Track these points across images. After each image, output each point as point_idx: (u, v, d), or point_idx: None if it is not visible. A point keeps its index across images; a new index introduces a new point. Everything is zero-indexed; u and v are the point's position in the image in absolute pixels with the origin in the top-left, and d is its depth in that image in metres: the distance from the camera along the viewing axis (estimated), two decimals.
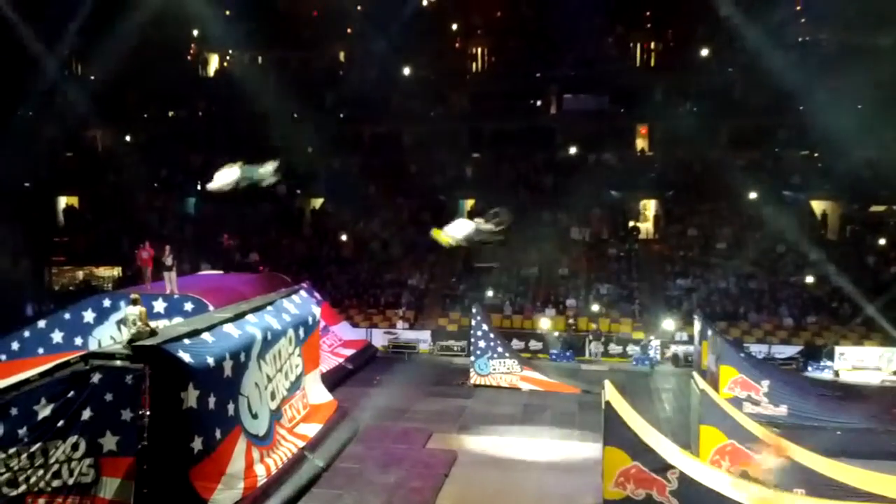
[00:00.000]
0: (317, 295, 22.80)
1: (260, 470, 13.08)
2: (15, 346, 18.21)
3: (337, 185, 37.82)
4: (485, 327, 23.05)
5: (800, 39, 36.44)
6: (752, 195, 33.93)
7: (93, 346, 17.08)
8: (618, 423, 12.34)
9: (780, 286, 30.14)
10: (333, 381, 20.58)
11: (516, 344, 26.16)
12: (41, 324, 18.45)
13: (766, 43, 31.95)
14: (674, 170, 35.53)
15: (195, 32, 41.29)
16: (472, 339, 23.11)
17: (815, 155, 36.24)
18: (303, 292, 18.79)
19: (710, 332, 21.16)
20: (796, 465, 13.19)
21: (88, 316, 18.10)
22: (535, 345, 27.16)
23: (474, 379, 22.63)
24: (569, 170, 36.37)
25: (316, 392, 17.53)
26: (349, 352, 24.73)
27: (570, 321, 28.61)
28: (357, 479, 14.57)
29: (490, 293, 30.41)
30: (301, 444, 15.03)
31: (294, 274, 26.64)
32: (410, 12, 35.31)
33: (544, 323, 28.38)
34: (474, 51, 41.87)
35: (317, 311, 18.50)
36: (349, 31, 39.01)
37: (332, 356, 23.12)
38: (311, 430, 15.91)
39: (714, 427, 13.98)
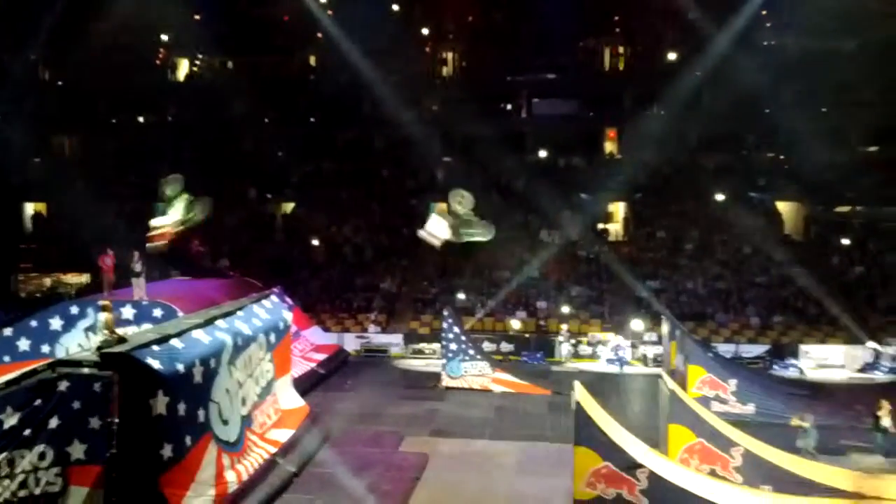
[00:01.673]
0: (288, 300, 22.72)
1: (231, 476, 13.02)
2: None
3: (308, 189, 37.79)
4: (456, 330, 23.08)
5: (765, 44, 37.06)
6: (719, 197, 34.47)
7: (60, 353, 16.89)
8: (588, 424, 12.40)
9: (747, 286, 30.58)
10: (305, 386, 20.52)
11: (488, 346, 26.29)
12: (7, 331, 18.17)
13: (733, 48, 32.44)
14: (642, 173, 35.91)
15: (165, 38, 41.06)
16: (444, 342, 23.10)
17: (781, 157, 36.93)
18: (273, 297, 18.73)
19: (678, 333, 21.40)
20: (764, 461, 13.41)
21: (56, 323, 17.88)
22: (506, 347, 27.26)
23: (446, 382, 22.65)
24: (539, 173, 36.64)
25: (287, 397, 17.48)
26: (321, 356, 24.63)
27: (541, 323, 28.82)
28: (329, 484, 14.55)
29: (461, 296, 30.52)
30: (272, 449, 14.99)
31: (265, 279, 26.51)
32: (381, 17, 35.39)
33: (515, 325, 28.55)
34: (445, 55, 42.07)
35: (288, 315, 18.45)
36: (320, 35, 38.97)
37: (304, 361, 23.04)
38: (283, 435, 15.86)
39: (683, 426, 14.09)
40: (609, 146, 39.92)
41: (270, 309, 17.50)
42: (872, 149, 35.78)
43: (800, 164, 34.89)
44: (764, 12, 36.04)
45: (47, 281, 34.87)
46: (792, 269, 29.66)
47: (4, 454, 10.66)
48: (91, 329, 16.88)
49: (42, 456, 10.83)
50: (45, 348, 17.58)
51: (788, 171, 35.76)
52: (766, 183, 35.41)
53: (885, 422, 16.42)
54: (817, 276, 28.97)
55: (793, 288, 29.63)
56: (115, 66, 36.12)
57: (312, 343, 25.09)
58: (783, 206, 35.38)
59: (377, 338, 28.35)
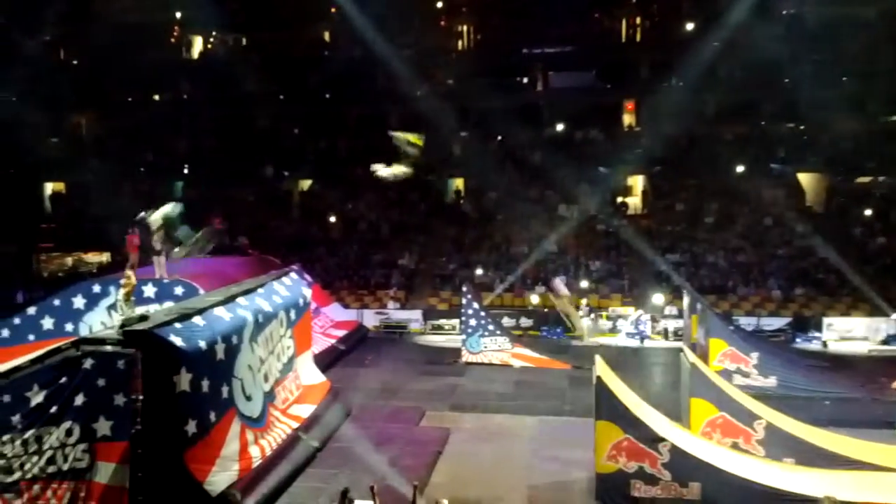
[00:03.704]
0: (307, 277, 22.77)
1: (255, 451, 13.11)
2: (5, 333, 18.15)
3: (324, 166, 37.71)
4: (475, 305, 23.10)
5: (784, 12, 36.41)
6: (739, 169, 34.09)
7: (84, 331, 17.03)
8: (609, 398, 12.43)
9: (768, 259, 30.35)
10: (326, 362, 20.60)
11: (507, 321, 26.24)
12: (31, 310, 18.39)
13: (752, 17, 31.91)
14: (661, 145, 35.53)
15: (178, 15, 40.87)
16: (463, 318, 23.13)
17: (801, 128, 36.37)
18: (293, 274, 18.73)
19: (699, 306, 21.29)
20: (786, 434, 13.36)
21: (78, 302, 18.04)
22: (525, 322, 27.27)
23: (466, 357, 22.70)
24: (556, 147, 36.35)
25: (308, 373, 17.55)
26: (341, 333, 24.73)
27: None
28: (351, 459, 14.63)
29: (480, 271, 30.48)
30: (295, 424, 15.06)
31: (283, 256, 26.61)
32: None
33: (534, 300, 28.50)
34: (459, 29, 41.63)
35: (307, 292, 18.47)
36: (333, 10, 38.68)
37: (324, 337, 23.13)
38: (305, 410, 15.94)
39: (704, 400, 14.08)
40: (627, 118, 39.51)
41: (290, 286, 17.51)
42: (894, 118, 35.24)
43: (820, 135, 34.43)
44: None
45: (69, 260, 35.14)
46: (813, 241, 29.39)
47: (32, 431, 10.83)
48: (113, 307, 16.98)
49: (69, 432, 10.94)
50: (69, 326, 17.75)
51: (808, 141, 35.26)
52: (786, 154, 35.00)
53: None
54: (839, 247, 28.68)
55: (814, 260, 29.39)
56: (130, 45, 35.97)
57: (332, 319, 25.19)
58: (804, 178, 34.98)
59: (396, 314, 28.43)
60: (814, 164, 34.48)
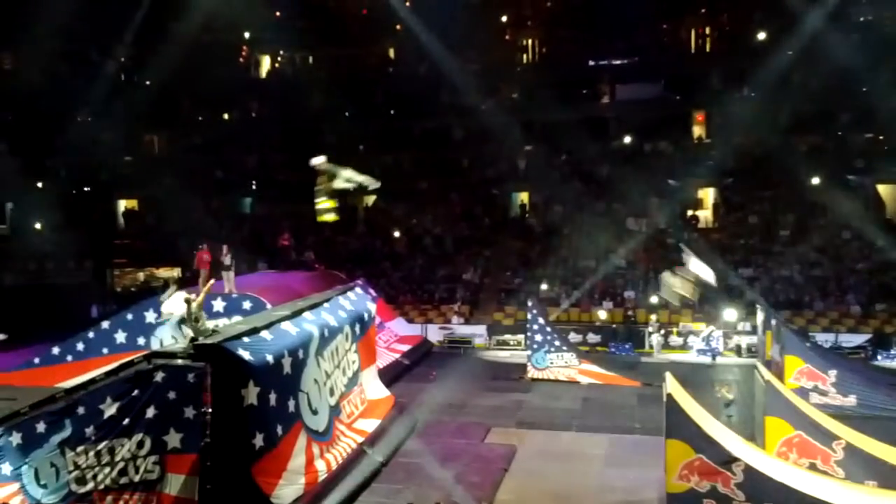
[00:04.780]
0: (371, 291, 22.83)
1: (320, 465, 13.11)
2: (80, 346, 18.61)
3: (389, 181, 37.88)
4: (541, 321, 22.88)
5: (861, 19, 35.28)
6: (815, 180, 33.08)
7: (155, 345, 17.34)
8: (680, 416, 12.10)
9: (847, 273, 29.28)
10: (390, 376, 20.52)
11: (574, 337, 25.97)
12: (105, 324, 18.81)
13: (826, 24, 30.98)
14: (732, 156, 34.71)
15: (246, 35, 41.82)
16: (529, 333, 22.94)
17: (881, 137, 35.10)
18: (358, 289, 18.74)
19: (773, 322, 20.70)
20: (867, 455, 12.79)
21: (150, 316, 18.35)
22: (593, 338, 26.92)
23: (532, 373, 22.48)
24: (624, 160, 35.88)
25: (373, 387, 17.51)
26: (405, 347, 24.73)
27: (629, 313, 28.23)
28: (417, 474, 14.57)
29: (545, 286, 30.15)
30: (360, 439, 15.00)
31: (348, 271, 26.80)
32: (459, 6, 35.15)
33: (602, 315, 28.06)
34: (524, 42, 41.61)
35: (372, 307, 18.47)
36: (398, 27, 39.05)
37: (389, 352, 23.15)
38: (370, 425, 15.88)
39: (780, 418, 13.66)
40: (697, 130, 38.79)
41: (355, 301, 17.52)
42: None
43: None
44: None
45: (141, 275, 36.08)
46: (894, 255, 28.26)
47: (105, 442, 11.01)
48: (184, 321, 17.26)
49: (140, 444, 11.09)
50: (141, 340, 18.10)
51: (888, 152, 34.01)
52: (864, 165, 33.80)
53: None
54: None
55: None
56: (200, 65, 36.96)
57: (396, 334, 25.24)
58: (883, 189, 33.78)
59: (460, 329, 28.38)
60: (894, 174, 33.20)
